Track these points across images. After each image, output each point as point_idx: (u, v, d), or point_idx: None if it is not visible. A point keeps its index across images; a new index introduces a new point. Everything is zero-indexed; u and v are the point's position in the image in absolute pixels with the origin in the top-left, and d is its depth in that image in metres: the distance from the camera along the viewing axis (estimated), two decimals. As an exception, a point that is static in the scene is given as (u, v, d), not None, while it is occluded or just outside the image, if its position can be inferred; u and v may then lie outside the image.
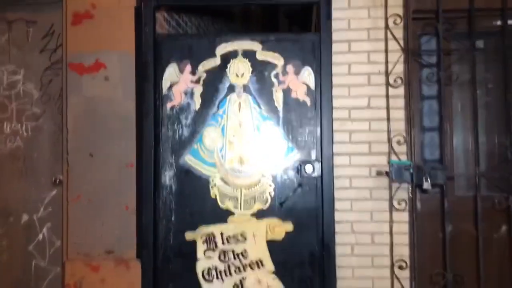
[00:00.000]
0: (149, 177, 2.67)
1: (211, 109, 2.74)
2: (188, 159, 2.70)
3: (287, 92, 2.71)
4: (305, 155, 2.66)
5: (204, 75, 2.71)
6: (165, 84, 2.70)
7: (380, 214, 2.64)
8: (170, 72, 2.76)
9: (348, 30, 2.78)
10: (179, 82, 2.73)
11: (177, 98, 2.77)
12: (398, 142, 2.61)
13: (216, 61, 2.74)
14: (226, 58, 2.72)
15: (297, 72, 2.74)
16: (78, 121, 2.71)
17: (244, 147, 2.72)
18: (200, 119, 2.69)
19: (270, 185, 2.76)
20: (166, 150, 2.73)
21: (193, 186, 2.77)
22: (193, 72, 2.73)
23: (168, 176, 2.73)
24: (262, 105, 2.75)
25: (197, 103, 2.74)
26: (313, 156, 2.66)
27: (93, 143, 2.70)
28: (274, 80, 2.71)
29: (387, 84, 2.62)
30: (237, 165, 2.70)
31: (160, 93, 2.73)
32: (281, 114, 2.70)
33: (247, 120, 2.76)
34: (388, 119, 2.62)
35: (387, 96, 2.62)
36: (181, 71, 2.73)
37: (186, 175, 2.69)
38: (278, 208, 2.67)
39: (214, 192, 2.70)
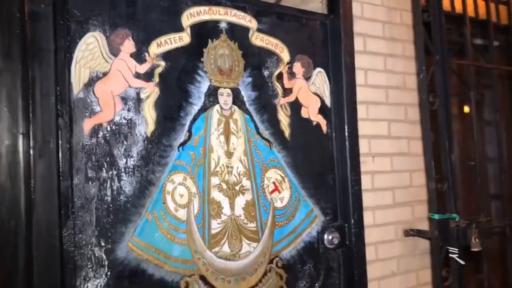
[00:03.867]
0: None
1: (176, 136, 1.62)
2: (135, 245, 1.50)
3: (295, 107, 1.93)
4: (324, 214, 1.99)
5: (162, 64, 1.61)
6: (79, 77, 1.45)
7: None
8: (91, 50, 1.47)
9: (362, 19, 2.41)
10: (111, 74, 1.50)
11: (106, 109, 1.48)
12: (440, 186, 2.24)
13: (182, 38, 1.67)
14: (201, 35, 1.72)
15: (307, 75, 1.99)
16: None
17: (239, 209, 1.74)
18: (156, 155, 1.58)
19: (282, 276, 1.93)
20: (84, 228, 1.41)
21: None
22: (140, 56, 1.57)
23: (90, 291, 1.48)
24: (262, 130, 1.84)
25: (149, 120, 1.56)
26: (336, 215, 2.02)
27: None
28: (277, 86, 1.89)
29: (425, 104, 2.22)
30: (231, 247, 1.70)
31: (67, 95, 1.43)
32: (289, 145, 1.91)
33: (241, 157, 1.78)
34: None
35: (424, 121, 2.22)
36: (115, 50, 1.52)
37: (133, 281, 1.51)
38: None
39: (189, 307, 1.60)
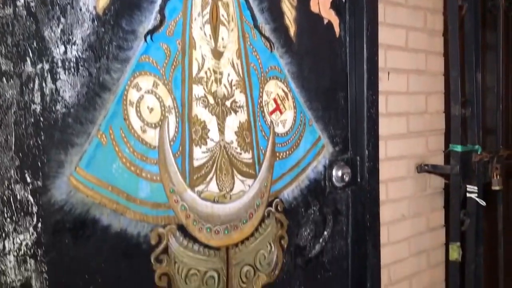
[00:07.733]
0: None
1: (141, 18, 1.07)
2: (82, 181, 0.99)
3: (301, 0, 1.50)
4: (333, 144, 1.56)
5: None
6: None
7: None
8: None
9: None
10: None
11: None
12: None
13: None
14: None
15: (316, -44, 1.58)
16: None
17: (230, 134, 1.28)
18: (112, 44, 1.04)
19: (282, 224, 1.55)
20: (-7, 155, 0.99)
21: (104, 262, 1.09)
22: None
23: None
24: (262, 23, 1.32)
25: (100, -8, 1.10)
26: (346, 146, 1.61)
27: None
28: (281, -35, 1.45)
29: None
30: (219, 185, 1.24)
31: None
32: (295, 48, 1.42)
33: (233, 59, 1.30)
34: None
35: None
36: None
37: (80, 236, 1.01)
38: (300, 274, 1.47)
39: (163, 269, 1.16)
